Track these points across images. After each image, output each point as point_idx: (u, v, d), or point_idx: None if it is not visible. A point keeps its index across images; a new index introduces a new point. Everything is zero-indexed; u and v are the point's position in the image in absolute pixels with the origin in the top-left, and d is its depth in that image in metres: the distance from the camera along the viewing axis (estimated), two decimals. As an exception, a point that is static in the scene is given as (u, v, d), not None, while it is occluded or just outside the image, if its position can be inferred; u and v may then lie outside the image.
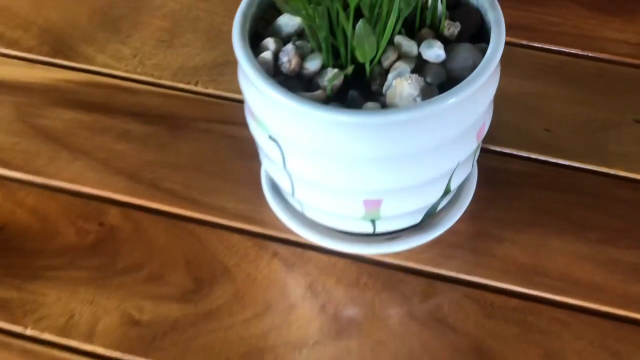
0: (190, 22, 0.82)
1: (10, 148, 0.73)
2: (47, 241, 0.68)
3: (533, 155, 0.72)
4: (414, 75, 0.57)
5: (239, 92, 0.62)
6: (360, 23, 0.54)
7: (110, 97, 0.76)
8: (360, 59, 0.56)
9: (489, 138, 0.67)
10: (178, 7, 0.83)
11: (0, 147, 0.73)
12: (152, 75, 0.78)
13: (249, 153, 0.70)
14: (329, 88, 0.56)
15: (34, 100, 0.76)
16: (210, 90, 0.77)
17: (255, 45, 0.61)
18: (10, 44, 0.81)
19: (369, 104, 0.57)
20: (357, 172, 0.58)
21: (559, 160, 0.71)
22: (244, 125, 0.64)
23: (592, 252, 0.66)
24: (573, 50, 0.78)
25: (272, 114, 0.58)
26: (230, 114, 0.75)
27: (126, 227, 0.69)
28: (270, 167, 0.63)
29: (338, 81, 0.58)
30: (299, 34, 0.61)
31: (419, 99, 0.57)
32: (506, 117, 0.73)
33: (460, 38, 0.61)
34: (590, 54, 0.78)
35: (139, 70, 0.78)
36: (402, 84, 0.57)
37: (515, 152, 0.72)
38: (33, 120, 0.75)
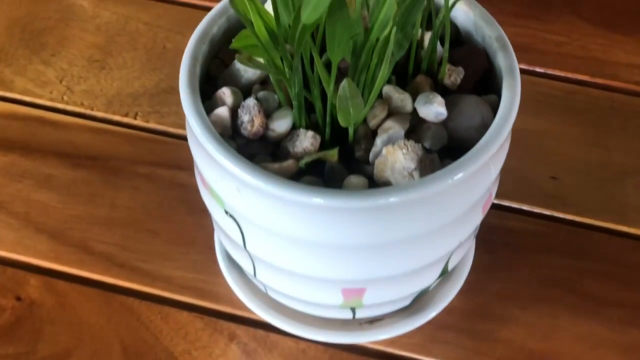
0: (128, 37, 0.68)
1: None
2: (-49, 321, 0.55)
3: (538, 210, 0.60)
4: (410, 143, 0.45)
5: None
6: (344, 82, 0.42)
7: (30, 133, 0.63)
8: (342, 123, 0.44)
9: (486, 190, 0.56)
10: (114, 19, 0.70)
11: None
12: (81, 105, 0.65)
13: (199, 206, 0.57)
14: (302, 163, 0.44)
15: (-61, 134, 0.63)
16: (152, 125, 0.64)
17: (207, 93, 0.49)
18: None
19: (353, 179, 0.45)
20: (335, 260, 0.46)
21: (568, 216, 0.60)
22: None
23: (613, 335, 0.55)
24: (580, 77, 0.67)
25: (229, 188, 0.46)
26: (176, 155, 0.62)
27: (49, 302, 0.56)
28: (226, 242, 0.51)
29: (313, 147, 0.46)
30: (262, 81, 0.49)
31: (416, 174, 0.45)
32: (506, 161, 0.61)
33: (462, 87, 0.49)
34: (600, 82, 0.66)
35: (65, 98, 0.65)
36: (394, 153, 0.45)
37: (517, 205, 0.60)
38: (-63, 161, 0.62)
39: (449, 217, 0.46)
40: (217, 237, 0.57)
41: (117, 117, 0.64)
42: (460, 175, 0.44)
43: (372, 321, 0.54)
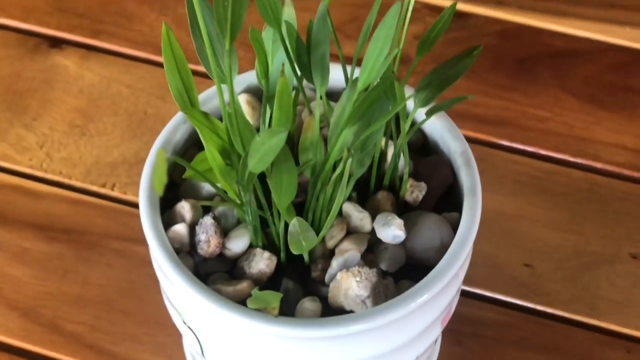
0: (110, 101, 0.68)
1: None
2: None
3: (509, 299, 0.60)
4: (364, 270, 0.45)
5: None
6: (295, 221, 0.42)
7: (8, 202, 0.64)
8: (295, 252, 0.44)
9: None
10: (97, 80, 0.69)
11: None
12: (60, 174, 0.65)
13: (170, 285, 0.58)
14: (248, 303, 0.44)
15: None
16: (128, 197, 0.64)
17: (169, 201, 0.49)
18: None
19: (307, 304, 0.45)
20: (290, 378, 0.47)
21: (540, 306, 0.60)
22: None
23: None
24: (561, 156, 0.66)
25: (186, 304, 0.46)
26: (151, 230, 0.62)
27: (17, 384, 0.57)
28: (188, 345, 0.52)
29: (269, 269, 0.46)
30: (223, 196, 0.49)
31: (368, 302, 0.45)
32: (480, 246, 0.60)
33: (425, 203, 0.49)
34: (581, 162, 0.66)
35: (45, 165, 0.65)
36: (348, 280, 0.45)
37: (489, 294, 0.60)
38: None
39: (404, 338, 0.46)
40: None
41: (94, 188, 0.64)
42: (416, 302, 0.44)
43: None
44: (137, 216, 0.64)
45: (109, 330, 0.59)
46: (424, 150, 0.51)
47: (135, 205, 0.64)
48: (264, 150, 0.37)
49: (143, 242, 0.62)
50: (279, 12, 0.43)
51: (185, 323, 0.48)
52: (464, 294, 0.60)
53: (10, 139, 0.66)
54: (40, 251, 0.62)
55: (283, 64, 0.42)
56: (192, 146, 0.50)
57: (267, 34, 0.46)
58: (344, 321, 0.43)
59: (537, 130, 0.67)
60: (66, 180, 0.65)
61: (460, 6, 0.73)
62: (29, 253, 0.62)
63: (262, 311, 0.44)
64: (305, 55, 0.44)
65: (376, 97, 0.40)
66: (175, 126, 0.49)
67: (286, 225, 0.45)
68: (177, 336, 0.58)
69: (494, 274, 0.61)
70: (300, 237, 0.42)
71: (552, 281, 0.61)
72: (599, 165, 0.66)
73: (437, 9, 0.73)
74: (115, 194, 0.64)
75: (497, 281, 0.61)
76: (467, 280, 0.60)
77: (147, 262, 0.61)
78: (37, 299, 0.60)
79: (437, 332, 0.49)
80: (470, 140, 0.66)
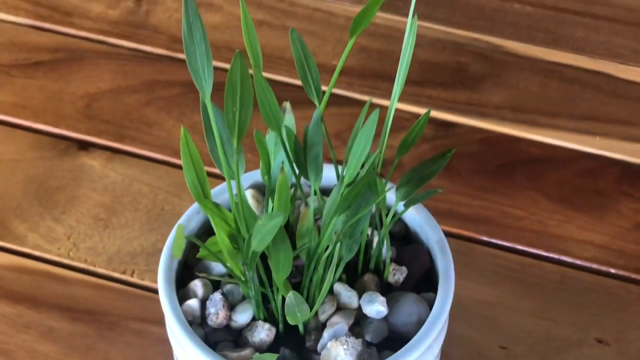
0: (131, 198, 0.76)
1: None
2: None
3: (486, 379, 0.67)
4: (351, 339, 0.52)
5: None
6: (291, 294, 0.49)
7: (38, 287, 0.71)
8: (291, 322, 0.51)
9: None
10: (119, 179, 0.78)
11: None
12: (85, 261, 0.73)
13: (182, 362, 0.65)
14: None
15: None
16: (146, 283, 0.72)
17: (183, 280, 0.56)
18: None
19: (301, 369, 0.52)
20: None
21: (514, 385, 0.67)
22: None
23: None
24: (535, 251, 0.74)
25: (196, 369, 0.53)
26: (165, 312, 0.70)
27: None
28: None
29: (269, 338, 0.53)
30: (230, 274, 0.56)
31: (354, 367, 0.52)
32: (460, 329, 0.68)
33: (405, 284, 0.56)
34: (553, 256, 0.73)
35: (71, 254, 0.73)
36: (337, 348, 0.52)
37: (468, 373, 0.67)
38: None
39: (386, 402, 0.53)
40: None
41: (116, 274, 0.72)
42: (392, 370, 0.51)
43: None
44: (154, 300, 0.71)
45: (125, 401, 0.65)
46: (406, 239, 0.59)
47: (152, 290, 0.71)
48: (264, 231, 0.45)
49: (158, 323, 0.70)
50: (279, 119, 0.51)
51: (195, 387, 0.55)
52: (445, 373, 0.67)
53: (41, 230, 0.74)
54: (66, 330, 0.69)
55: (283, 163, 0.50)
56: (203, 234, 0.58)
57: (270, 137, 0.54)
58: (332, 384, 0.50)
59: (514, 228, 0.75)
60: (91, 268, 0.72)
61: (448, 116, 0.81)
62: (56, 332, 0.69)
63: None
64: (302, 155, 0.52)
65: (360, 190, 0.48)
66: (190, 216, 0.57)
67: (283, 299, 0.52)
68: (187, 407, 0.65)
69: (473, 356, 0.67)
70: (295, 309, 0.49)
71: (526, 362, 0.67)
72: (569, 259, 0.73)
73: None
74: (135, 280, 0.71)
75: (476, 362, 0.67)
76: (447, 360, 0.67)
77: (161, 341, 0.68)
78: (62, 373, 0.67)
79: (416, 400, 0.56)
80: (453, 236, 0.75)
